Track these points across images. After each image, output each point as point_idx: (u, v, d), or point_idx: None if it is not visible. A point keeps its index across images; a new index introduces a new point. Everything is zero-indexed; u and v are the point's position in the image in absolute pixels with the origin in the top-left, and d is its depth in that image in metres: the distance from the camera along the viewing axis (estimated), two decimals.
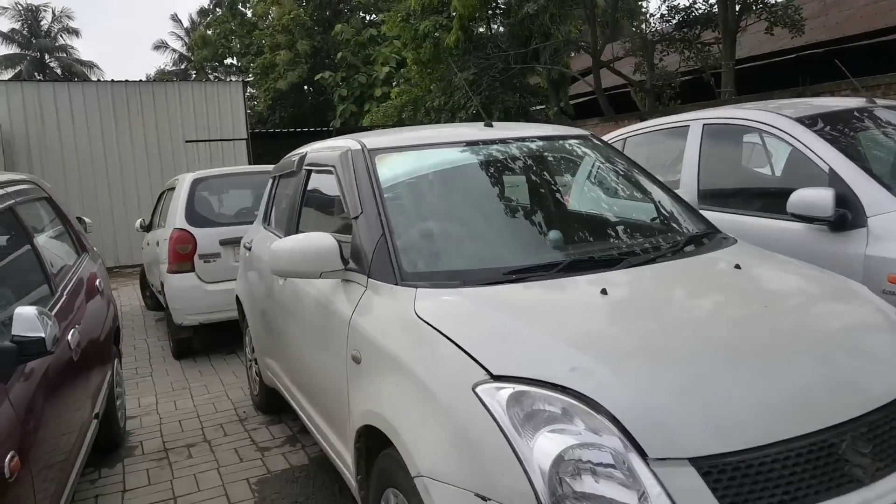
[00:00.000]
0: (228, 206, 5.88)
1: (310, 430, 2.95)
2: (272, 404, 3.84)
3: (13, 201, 2.63)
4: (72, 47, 30.51)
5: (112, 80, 11.32)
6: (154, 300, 7.08)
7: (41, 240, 2.94)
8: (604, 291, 1.90)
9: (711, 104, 8.39)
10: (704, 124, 3.62)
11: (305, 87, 23.81)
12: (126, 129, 10.90)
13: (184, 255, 5.06)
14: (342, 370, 2.22)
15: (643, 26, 13.40)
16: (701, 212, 3.23)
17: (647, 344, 1.70)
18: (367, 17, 22.96)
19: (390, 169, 2.51)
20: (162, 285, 5.44)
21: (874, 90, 7.05)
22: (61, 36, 30.03)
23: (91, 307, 3.20)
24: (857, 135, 3.17)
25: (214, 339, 5.64)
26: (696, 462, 1.42)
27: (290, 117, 23.83)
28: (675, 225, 2.60)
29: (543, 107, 15.40)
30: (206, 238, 5.11)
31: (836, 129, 3.10)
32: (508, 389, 1.56)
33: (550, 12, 12.72)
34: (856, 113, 3.31)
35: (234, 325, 5.42)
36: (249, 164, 11.34)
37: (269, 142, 16.81)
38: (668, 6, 12.14)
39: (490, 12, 14.34)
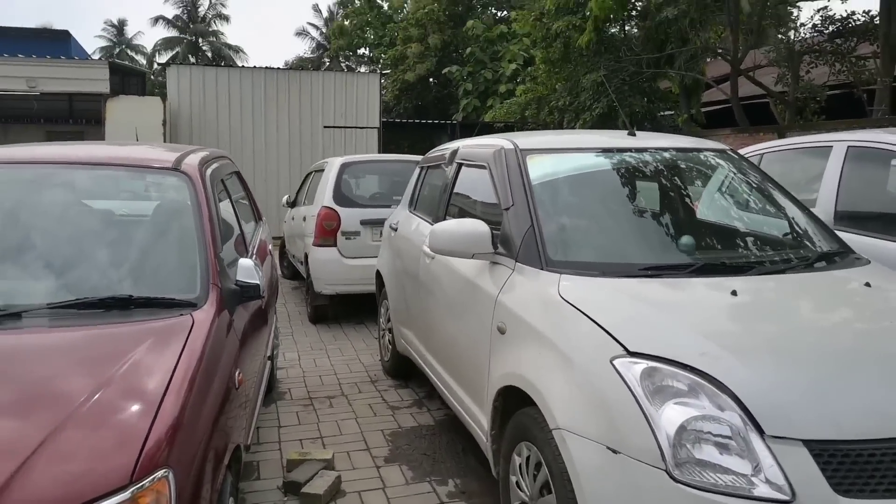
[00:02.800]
0: (367, 190, 6.49)
1: (441, 393, 3.36)
2: (401, 370, 4.32)
3: (234, 170, 3.23)
4: (221, 32, 33.44)
5: (266, 67, 12.49)
6: (291, 269, 7.88)
7: (237, 205, 3.55)
8: (734, 293, 2.14)
9: (860, 122, 8.00)
10: (849, 146, 3.66)
11: (431, 80, 24.61)
12: (273, 113, 12.00)
13: (328, 231, 5.70)
14: (485, 339, 2.59)
15: (790, 34, 12.81)
16: (837, 232, 3.32)
17: (770, 341, 1.93)
18: (499, 14, 23.35)
19: (539, 168, 2.85)
20: (305, 256, 6.12)
21: None
22: (214, 22, 32.96)
23: (266, 267, 3.80)
24: None
25: (347, 310, 6.26)
26: (809, 444, 1.65)
27: (413, 108, 24.76)
28: (806, 241, 2.75)
29: (672, 112, 15.11)
30: (349, 217, 5.72)
31: None
32: (642, 364, 1.85)
33: (690, 17, 12.47)
34: None
35: (365, 299, 6.01)
36: (379, 151, 12.10)
37: (394, 131, 17.68)
38: (822, 16, 11.56)
39: (626, 14, 14.22)
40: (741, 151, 4.67)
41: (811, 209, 3.18)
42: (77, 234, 2.46)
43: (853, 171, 3.60)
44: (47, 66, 10.91)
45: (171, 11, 32.13)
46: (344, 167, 6.03)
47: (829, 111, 11.68)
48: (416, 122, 19.31)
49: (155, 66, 30.68)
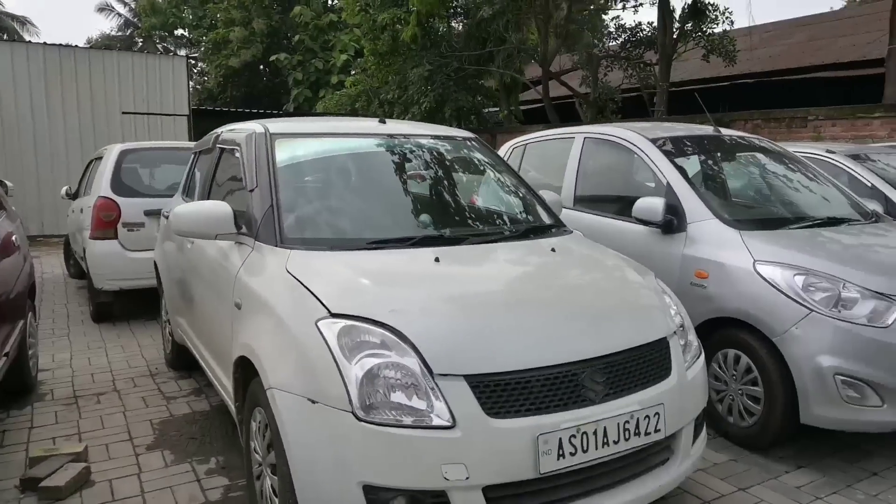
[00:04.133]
0: (158, 180, 6.29)
1: (207, 375, 3.46)
2: (182, 361, 4.33)
3: None
4: None
5: (45, 43, 11.41)
6: (77, 268, 7.40)
7: None
8: (437, 259, 2.50)
9: (642, 120, 9.19)
10: (585, 137, 4.29)
11: (261, 67, 23.94)
12: (58, 95, 11.04)
13: (107, 223, 5.47)
14: (228, 316, 2.75)
15: (593, 41, 14.25)
16: (576, 213, 3.91)
17: (452, 297, 2.31)
18: (329, 2, 23.27)
19: (287, 151, 3.06)
20: (84, 251, 5.81)
21: (779, 122, 7.94)
22: None
23: (5, 262, 3.61)
24: (698, 156, 3.89)
25: (137, 307, 6.04)
26: (468, 378, 2.02)
27: (242, 97, 23.92)
28: (522, 216, 3.23)
29: (497, 108, 16.13)
30: (131, 207, 5.53)
31: (681, 150, 3.81)
32: (341, 323, 2.13)
33: (507, 18, 13.42)
34: (703, 140, 4.04)
35: (156, 294, 5.85)
36: (190, 140, 11.62)
37: (215, 120, 16.91)
38: (615, 24, 13.02)
39: (449, 11, 14.92)
40: (512, 141, 5.25)
41: (561, 193, 3.72)
42: None
43: (588, 159, 4.23)
44: None
45: None
46: (124, 154, 5.81)
47: (625, 111, 13.20)
48: (240, 111, 18.68)
49: None
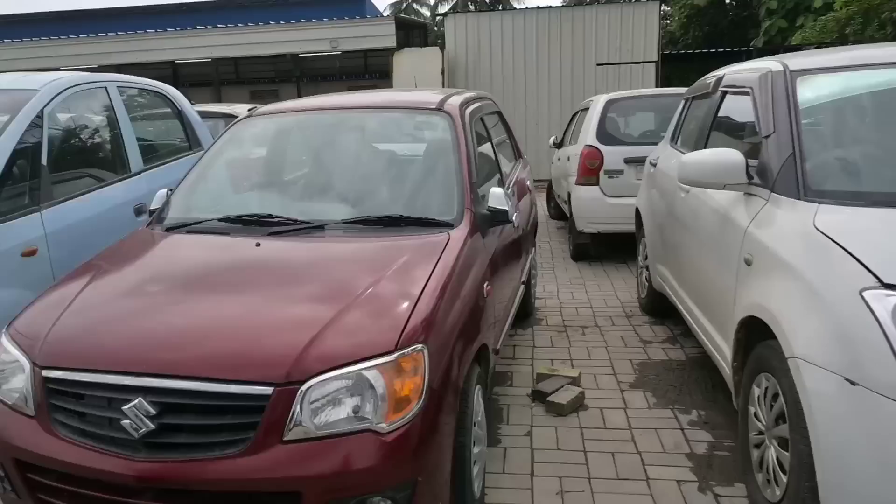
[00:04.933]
0: (634, 127, 6.46)
1: (691, 327, 3.43)
2: (657, 308, 4.41)
3: (495, 110, 3.65)
4: None
5: (538, 8, 12.78)
6: (557, 210, 8.27)
7: (496, 143, 3.97)
8: None
9: None
10: None
11: (728, 1, 22.31)
12: (545, 54, 12.31)
13: (591, 170, 5.89)
14: (732, 272, 2.61)
15: None
16: None
17: None
18: None
19: (811, 90, 2.67)
20: (569, 196, 6.41)
21: None
22: None
23: (523, 202, 4.18)
24: None
25: (608, 249, 6.44)
26: None
27: (703, 37, 22.78)
28: None
29: None
30: (613, 155, 5.82)
31: None
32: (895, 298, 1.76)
33: None
34: None
35: (628, 238, 6.10)
36: (657, 87, 11.64)
37: (677, 64, 16.63)
38: None
39: None
40: None
41: None
42: (359, 166, 3.12)
43: None
44: (346, 27, 12.77)
45: None
46: (609, 104, 6.10)
47: None
48: (702, 52, 17.82)
49: (437, 18, 33.08)
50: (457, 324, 2.18)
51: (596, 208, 5.91)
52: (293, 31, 13.04)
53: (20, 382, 2.02)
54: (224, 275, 2.36)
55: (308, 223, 2.64)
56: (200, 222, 2.81)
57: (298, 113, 3.42)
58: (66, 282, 2.44)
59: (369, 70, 17.56)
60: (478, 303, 2.45)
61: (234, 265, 2.42)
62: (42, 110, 3.44)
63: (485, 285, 2.61)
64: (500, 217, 2.82)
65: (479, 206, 2.77)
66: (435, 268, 2.25)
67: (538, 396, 3.34)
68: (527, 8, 12.90)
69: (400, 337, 1.90)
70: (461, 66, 12.72)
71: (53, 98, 3.56)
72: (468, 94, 3.56)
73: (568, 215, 6.70)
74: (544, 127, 12.13)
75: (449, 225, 2.59)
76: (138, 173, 4.11)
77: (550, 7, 12.77)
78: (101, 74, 4.24)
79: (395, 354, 1.86)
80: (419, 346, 1.92)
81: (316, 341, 1.88)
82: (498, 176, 3.64)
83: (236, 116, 6.88)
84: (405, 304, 2.04)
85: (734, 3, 22.28)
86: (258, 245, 2.50)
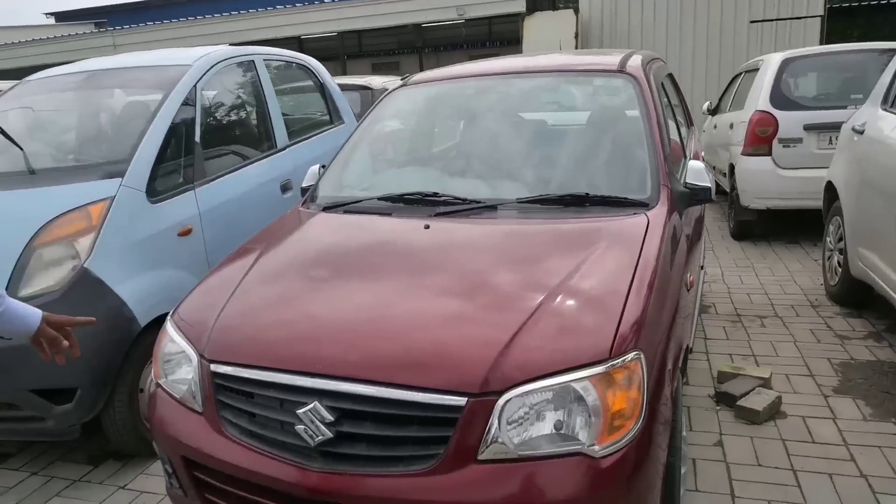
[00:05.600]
0: (812, 90, 5.66)
1: None
2: (854, 297, 3.81)
3: (668, 72, 3.22)
4: None
5: None
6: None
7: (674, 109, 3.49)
8: None
9: None
10: None
11: None
12: (690, 12, 11.26)
13: (762, 138, 5.21)
14: None
15: None
16: None
17: None
18: None
19: None
20: (731, 168, 5.75)
21: None
22: None
23: None
24: None
25: (776, 227, 5.75)
26: None
27: None
28: None
29: None
30: (790, 121, 5.11)
31: None
32: None
33: None
34: None
35: (800, 215, 5.39)
36: (821, 45, 10.34)
37: (843, 19, 14.80)
38: None
39: None
40: None
41: None
42: (533, 138, 2.79)
43: None
44: None
45: None
46: (786, 63, 5.34)
47: None
48: (874, 4, 15.68)
49: None
50: (667, 324, 1.84)
51: (766, 181, 5.24)
52: (419, 0, 12.85)
53: (187, 374, 1.90)
54: (396, 262, 2.11)
55: (479, 203, 2.37)
56: (359, 201, 2.62)
57: (458, 80, 3.11)
58: (226, 266, 2.29)
59: (493, 37, 17.11)
60: (682, 298, 2.08)
61: (405, 251, 2.17)
62: (195, 86, 3.39)
63: (688, 276, 2.24)
64: (700, 195, 2.43)
65: (675, 183, 2.38)
66: (640, 256, 1.91)
67: (724, 399, 2.93)
68: None
69: (613, 342, 1.59)
70: (596, 30, 11.96)
71: (205, 73, 3.51)
72: (643, 54, 3.13)
73: (728, 189, 6.04)
74: (687, 90, 11.16)
75: (644, 205, 2.23)
76: (284, 149, 4.05)
77: None
78: (248, 48, 4.18)
79: (609, 363, 1.56)
80: (635, 354, 1.60)
81: (513, 345, 1.61)
82: (681, 147, 3.20)
83: (371, 88, 6.84)
84: (614, 302, 1.72)
85: None
86: (427, 227, 2.27)
